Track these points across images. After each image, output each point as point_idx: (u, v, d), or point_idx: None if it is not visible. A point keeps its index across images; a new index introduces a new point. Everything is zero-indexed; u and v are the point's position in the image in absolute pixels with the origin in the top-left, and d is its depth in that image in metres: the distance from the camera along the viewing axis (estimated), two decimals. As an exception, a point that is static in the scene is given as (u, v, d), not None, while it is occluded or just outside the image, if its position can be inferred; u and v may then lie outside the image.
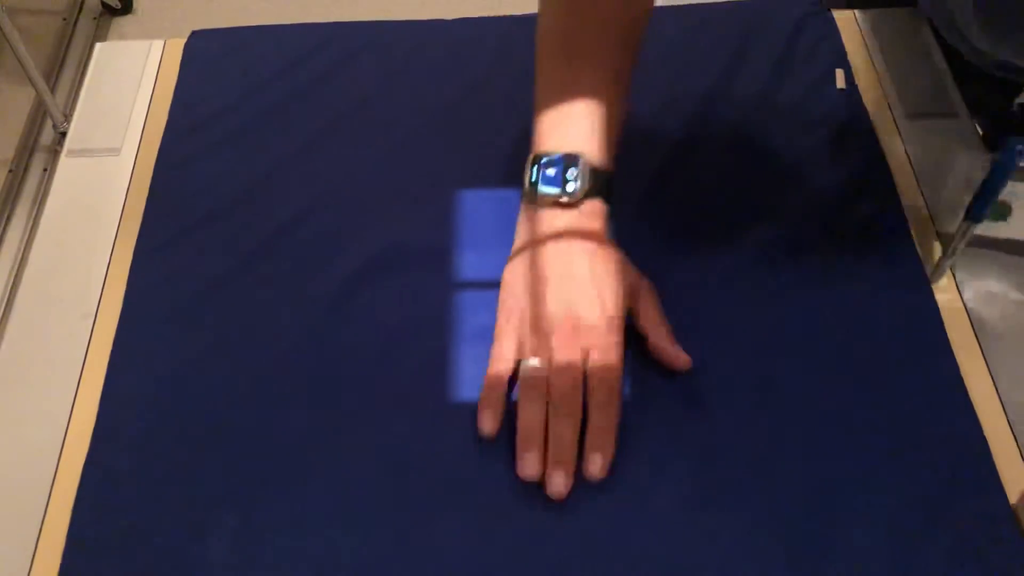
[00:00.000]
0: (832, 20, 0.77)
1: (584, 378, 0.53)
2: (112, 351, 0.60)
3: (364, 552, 0.51)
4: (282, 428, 0.56)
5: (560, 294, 0.55)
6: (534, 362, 0.54)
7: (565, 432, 0.52)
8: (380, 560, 0.51)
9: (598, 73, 0.60)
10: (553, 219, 0.57)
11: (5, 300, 1.56)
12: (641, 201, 0.66)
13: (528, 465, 0.52)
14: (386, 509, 0.53)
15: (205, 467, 0.54)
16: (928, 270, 0.62)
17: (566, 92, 0.59)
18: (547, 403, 0.53)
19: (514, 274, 0.58)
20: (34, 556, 0.52)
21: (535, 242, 0.57)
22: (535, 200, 0.58)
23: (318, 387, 0.58)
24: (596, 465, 0.51)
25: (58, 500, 0.54)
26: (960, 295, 0.61)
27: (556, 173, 0.57)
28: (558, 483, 0.51)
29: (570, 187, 0.56)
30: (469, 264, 0.63)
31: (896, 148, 0.69)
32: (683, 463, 0.54)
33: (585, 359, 0.53)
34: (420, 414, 0.56)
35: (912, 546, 0.50)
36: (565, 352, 0.53)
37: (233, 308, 0.61)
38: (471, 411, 0.56)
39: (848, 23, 0.77)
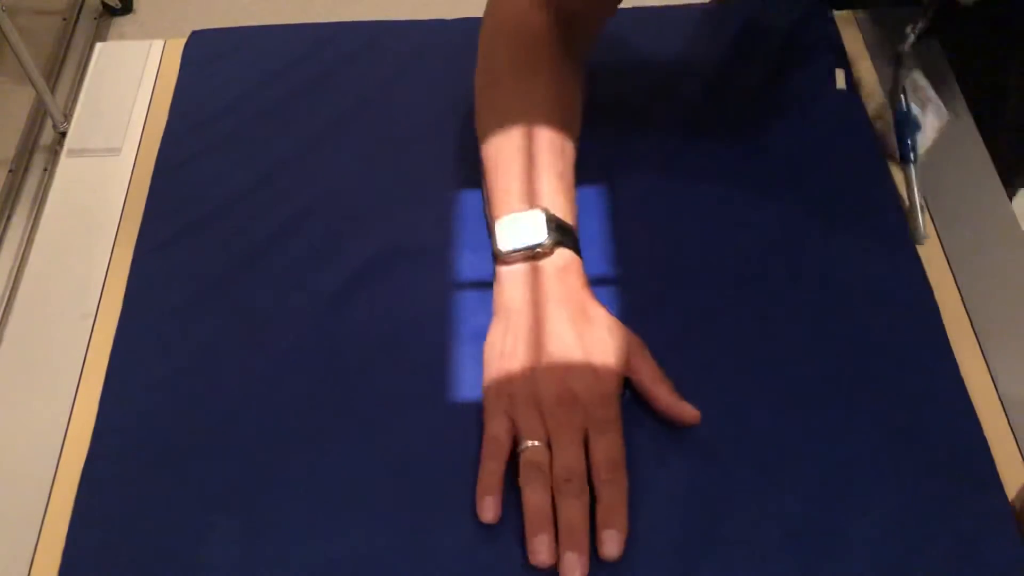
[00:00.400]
0: (832, 20, 0.77)
1: (586, 454, 0.52)
2: (112, 351, 0.60)
3: (365, 552, 0.51)
4: (282, 428, 0.56)
5: (551, 368, 0.53)
6: (533, 443, 0.52)
7: (574, 514, 0.50)
8: (381, 560, 0.51)
9: (547, 127, 0.61)
10: (529, 276, 0.57)
11: (5, 300, 1.56)
12: (641, 199, 0.66)
13: (541, 551, 0.49)
14: (387, 509, 0.53)
15: (205, 467, 0.54)
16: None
17: (517, 151, 0.60)
18: (551, 484, 0.51)
19: (496, 343, 0.56)
20: (34, 557, 0.52)
21: (516, 306, 0.56)
22: (507, 259, 0.58)
23: (318, 387, 0.58)
24: (612, 543, 0.49)
25: (58, 501, 0.54)
26: (960, 295, 0.61)
27: (526, 231, 0.57)
28: (573, 567, 0.48)
29: (541, 238, 0.57)
30: (469, 264, 0.63)
31: (896, 148, 0.68)
32: (684, 463, 0.54)
33: (584, 435, 0.52)
34: (420, 414, 0.56)
35: (912, 545, 0.50)
36: (565, 432, 0.52)
37: (233, 308, 0.61)
38: (471, 410, 0.56)
39: (848, 23, 0.77)
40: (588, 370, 0.53)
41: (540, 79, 0.64)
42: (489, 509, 0.51)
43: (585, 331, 0.55)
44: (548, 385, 0.53)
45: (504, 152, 0.61)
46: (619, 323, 0.56)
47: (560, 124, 0.62)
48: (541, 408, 0.53)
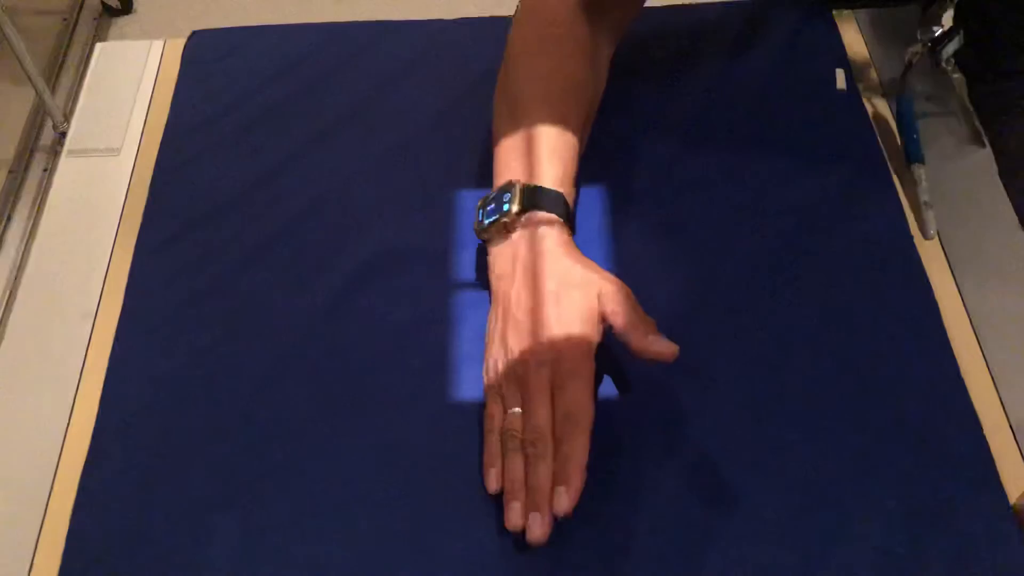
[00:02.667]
0: (832, 20, 0.77)
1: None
2: (112, 351, 0.60)
3: (365, 552, 0.51)
4: (282, 428, 0.56)
5: (519, 334, 0.54)
6: (514, 411, 0.53)
7: (538, 476, 0.51)
8: (381, 560, 0.51)
9: (546, 105, 0.62)
10: (506, 249, 0.58)
11: (5, 300, 1.56)
12: (641, 199, 0.66)
13: (512, 516, 0.51)
14: (386, 509, 0.53)
15: (205, 467, 0.54)
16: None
17: (513, 129, 0.62)
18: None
19: (488, 323, 0.58)
20: (34, 557, 0.52)
21: (497, 285, 0.58)
22: (485, 235, 0.59)
23: (318, 387, 0.58)
24: (561, 500, 0.49)
25: (58, 500, 0.54)
26: (960, 295, 0.61)
27: (495, 205, 0.59)
28: (533, 527, 0.50)
29: (505, 207, 0.58)
30: (469, 263, 0.63)
31: (896, 148, 0.69)
32: (684, 464, 0.54)
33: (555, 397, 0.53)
34: (420, 414, 0.56)
35: (912, 546, 0.50)
36: (533, 394, 0.53)
37: (233, 308, 0.61)
38: (471, 411, 0.56)
39: (848, 23, 0.77)
40: (553, 327, 0.54)
41: (547, 60, 0.64)
42: (493, 480, 0.53)
43: (549, 290, 0.55)
44: (517, 352, 0.54)
45: (502, 132, 0.63)
46: (592, 273, 0.56)
47: (563, 102, 0.63)
48: (518, 379, 0.54)
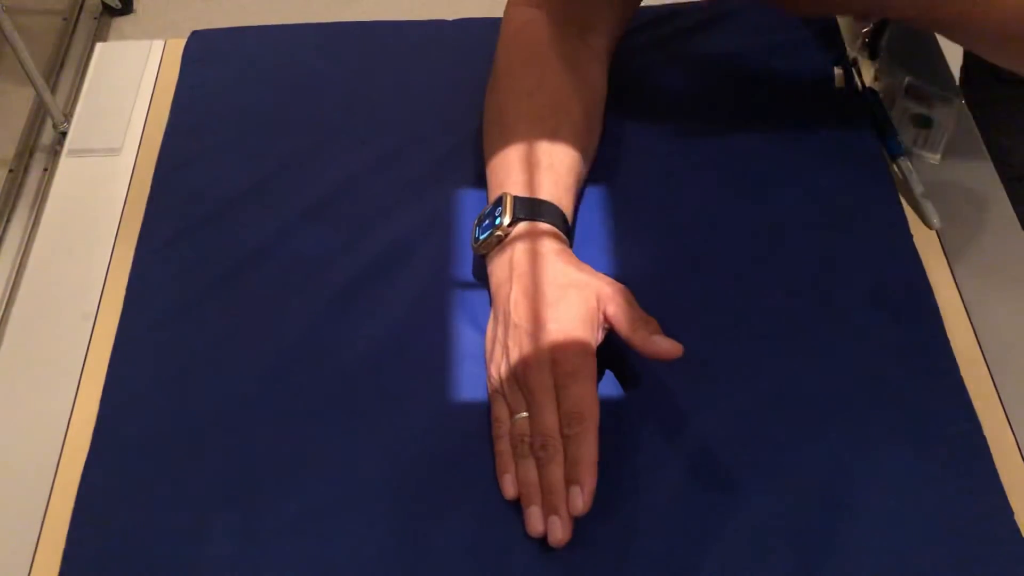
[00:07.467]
0: (832, 19, 0.77)
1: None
2: (112, 351, 0.60)
3: (365, 552, 0.51)
4: (282, 429, 0.56)
5: (519, 340, 0.55)
6: (521, 416, 0.54)
7: (552, 477, 0.51)
8: (381, 559, 0.51)
9: (529, 121, 0.63)
10: (504, 260, 0.58)
11: (5, 300, 1.56)
12: (640, 200, 0.66)
13: (532, 522, 0.51)
14: (387, 508, 0.53)
15: (206, 467, 0.54)
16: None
17: (499, 148, 0.62)
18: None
19: (488, 332, 0.58)
20: (34, 557, 0.52)
21: (496, 294, 0.58)
22: (482, 250, 0.60)
23: (319, 387, 0.58)
24: (577, 499, 0.50)
25: (58, 501, 0.54)
26: (961, 298, 0.61)
27: (489, 220, 0.59)
28: (555, 530, 0.50)
29: (498, 220, 0.58)
30: (469, 264, 0.63)
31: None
32: (684, 464, 0.54)
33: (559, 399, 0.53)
34: (420, 413, 0.56)
35: (912, 546, 0.50)
36: (536, 396, 0.53)
37: (233, 308, 0.61)
38: (471, 411, 0.56)
39: (848, 23, 0.77)
40: (552, 329, 0.54)
41: (531, 78, 0.65)
42: (509, 485, 0.53)
43: (547, 293, 0.55)
44: (518, 356, 0.54)
45: (492, 150, 0.63)
46: (589, 276, 0.56)
47: (551, 117, 0.63)
48: (522, 384, 0.54)
